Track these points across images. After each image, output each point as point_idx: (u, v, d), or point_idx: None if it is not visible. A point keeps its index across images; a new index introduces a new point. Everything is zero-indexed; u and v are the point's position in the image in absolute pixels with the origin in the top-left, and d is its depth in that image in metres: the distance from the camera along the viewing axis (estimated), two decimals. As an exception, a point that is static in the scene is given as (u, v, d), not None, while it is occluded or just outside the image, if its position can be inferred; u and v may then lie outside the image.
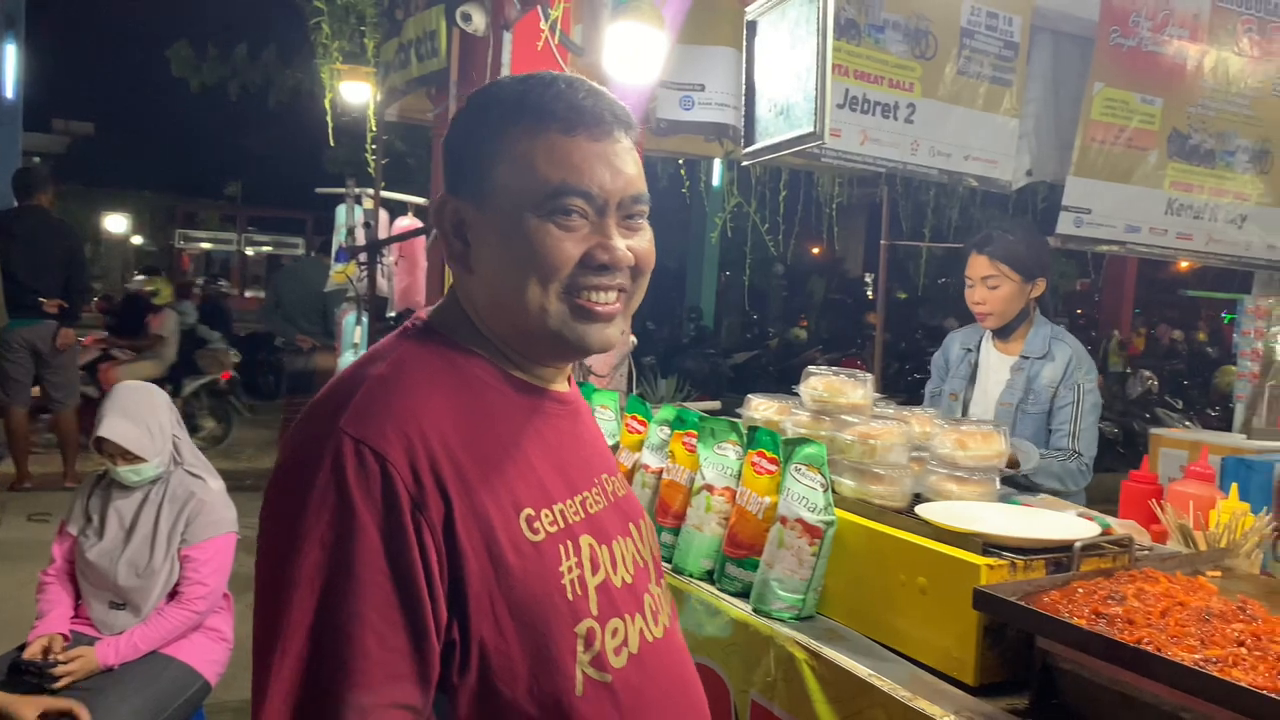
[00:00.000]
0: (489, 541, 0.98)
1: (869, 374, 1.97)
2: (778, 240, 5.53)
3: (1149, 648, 1.22)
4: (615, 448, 2.37)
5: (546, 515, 1.04)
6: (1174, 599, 1.39)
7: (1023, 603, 1.37)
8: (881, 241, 4.82)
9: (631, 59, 2.61)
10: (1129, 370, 11.32)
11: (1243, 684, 1.11)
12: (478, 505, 0.98)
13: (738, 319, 17.96)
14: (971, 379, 2.99)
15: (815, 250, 19.39)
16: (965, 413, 2.95)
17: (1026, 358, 2.87)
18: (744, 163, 2.96)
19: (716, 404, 3.18)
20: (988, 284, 2.86)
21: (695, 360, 11.72)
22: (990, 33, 3.87)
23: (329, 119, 5.40)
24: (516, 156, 1.05)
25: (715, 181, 7.05)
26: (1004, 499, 1.92)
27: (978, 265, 2.89)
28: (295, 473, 0.97)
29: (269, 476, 1.02)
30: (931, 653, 1.54)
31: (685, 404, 2.89)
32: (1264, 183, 4.58)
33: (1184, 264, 12.42)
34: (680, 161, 5.07)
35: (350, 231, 5.22)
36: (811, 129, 2.42)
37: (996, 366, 2.96)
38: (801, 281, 20.57)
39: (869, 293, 18.16)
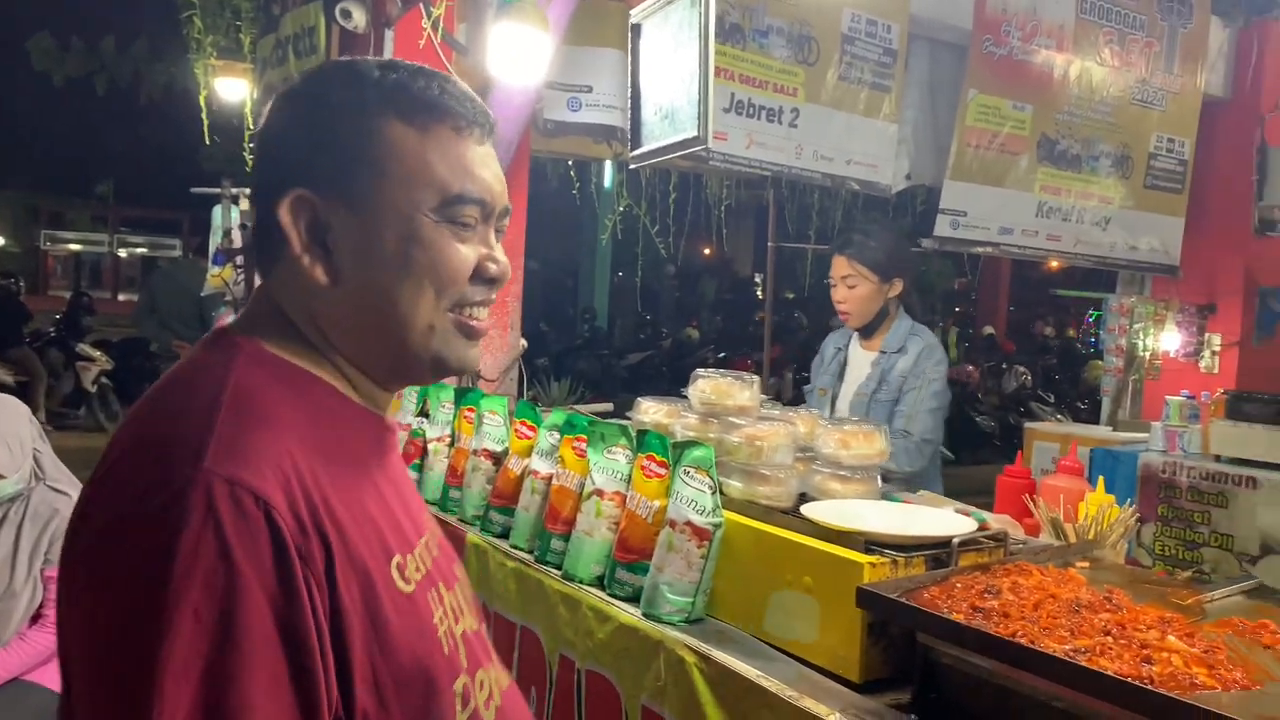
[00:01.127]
0: (368, 597, 0.84)
1: (756, 376, 1.99)
2: (668, 242, 5.56)
3: (1023, 640, 1.26)
4: (504, 454, 2.34)
5: (411, 561, 0.92)
6: (1046, 591, 1.44)
7: (903, 599, 1.40)
8: (769, 244, 4.89)
9: (515, 60, 2.58)
10: (1003, 365, 11.78)
11: (1109, 672, 1.15)
12: (354, 554, 0.84)
13: (631, 320, 18.04)
14: (840, 375, 3.15)
15: (707, 251, 19.62)
16: (834, 407, 3.10)
17: (885, 352, 3.04)
18: (631, 165, 2.95)
19: (609, 406, 3.19)
20: (847, 284, 3.01)
21: (589, 361, 11.72)
22: (870, 39, 3.96)
23: (204, 116, 5.20)
24: (406, 153, 0.93)
25: (606, 183, 7.08)
26: (885, 496, 1.97)
27: (838, 266, 3.05)
28: (143, 528, 0.76)
29: (76, 535, 0.81)
30: (818, 651, 1.57)
31: (577, 406, 2.89)
32: (1125, 187, 4.83)
33: (1055, 264, 13.03)
34: (570, 163, 5.06)
35: (227, 233, 5.04)
36: (695, 133, 2.43)
37: (861, 362, 3.12)
38: (694, 282, 20.80)
39: (759, 293, 18.45)
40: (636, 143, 2.84)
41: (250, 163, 4.69)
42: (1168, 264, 5.02)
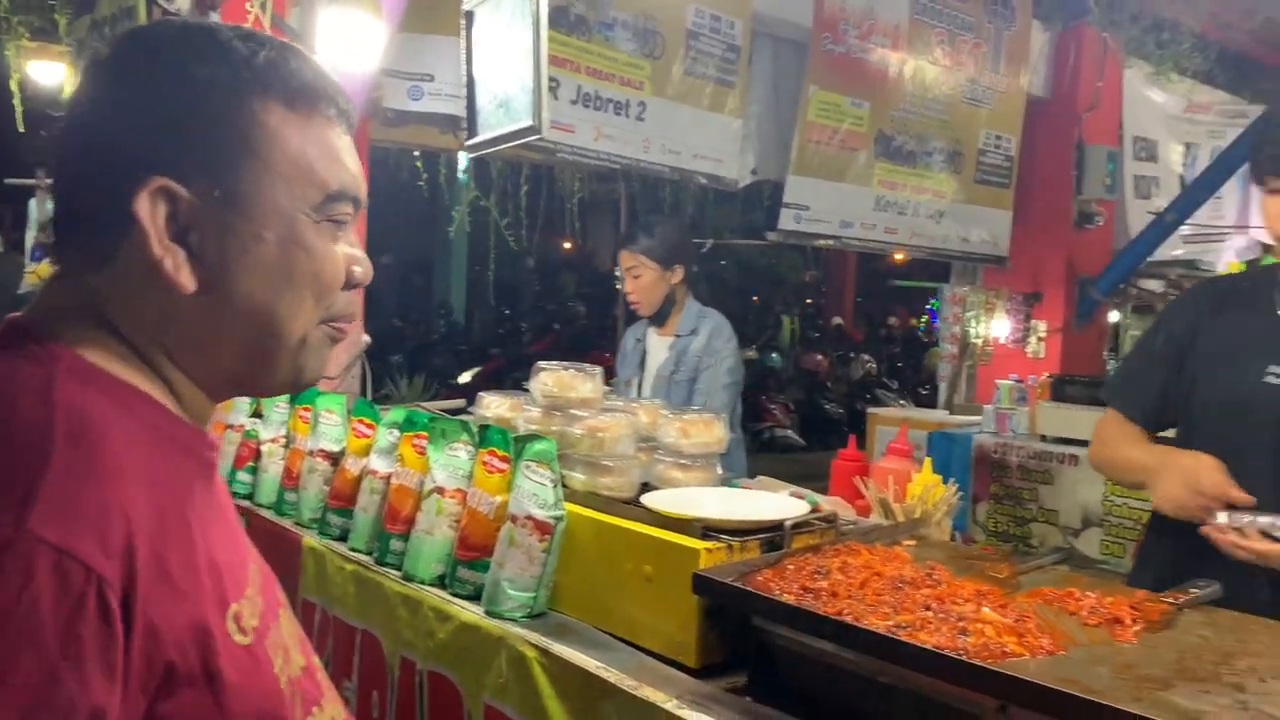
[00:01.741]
0: (206, 660, 0.74)
1: (599, 368, 1.99)
2: (520, 235, 5.52)
3: (848, 618, 1.30)
4: (342, 454, 2.26)
5: (246, 605, 0.81)
6: (873, 570, 1.48)
7: (736, 584, 1.42)
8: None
9: (347, 46, 2.50)
10: (851, 354, 12.21)
11: (926, 646, 1.20)
12: (193, 616, 0.74)
13: (490, 314, 17.84)
14: (642, 364, 3.32)
15: (567, 245, 19.60)
16: (640, 394, 3.25)
17: (679, 335, 3.23)
18: (469, 155, 2.91)
19: (461, 402, 3.13)
20: (633, 275, 3.21)
21: (445, 357, 11.52)
22: (714, 35, 4.02)
23: (17, 103, 4.84)
24: (289, 143, 0.83)
25: (460, 174, 6.97)
26: (727, 483, 2.00)
27: (624, 260, 3.24)
28: None
29: None
30: (657, 639, 1.58)
31: (424, 404, 2.82)
32: (957, 182, 5.07)
33: (900, 256, 13.62)
34: (417, 153, 4.95)
35: (44, 227, 4.71)
36: (530, 122, 2.41)
37: (659, 349, 3.29)
38: (553, 276, 20.74)
39: (618, 286, 18.53)
40: (473, 131, 2.80)
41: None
42: (997, 255, 5.30)
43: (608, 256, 20.69)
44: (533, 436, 1.77)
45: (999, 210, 5.28)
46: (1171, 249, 5.80)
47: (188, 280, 0.81)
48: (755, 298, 19.67)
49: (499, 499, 1.80)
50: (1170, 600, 1.41)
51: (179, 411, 0.85)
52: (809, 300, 19.21)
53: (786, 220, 4.49)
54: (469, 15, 2.82)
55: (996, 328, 5.28)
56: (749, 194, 5.97)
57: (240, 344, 0.85)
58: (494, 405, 2.06)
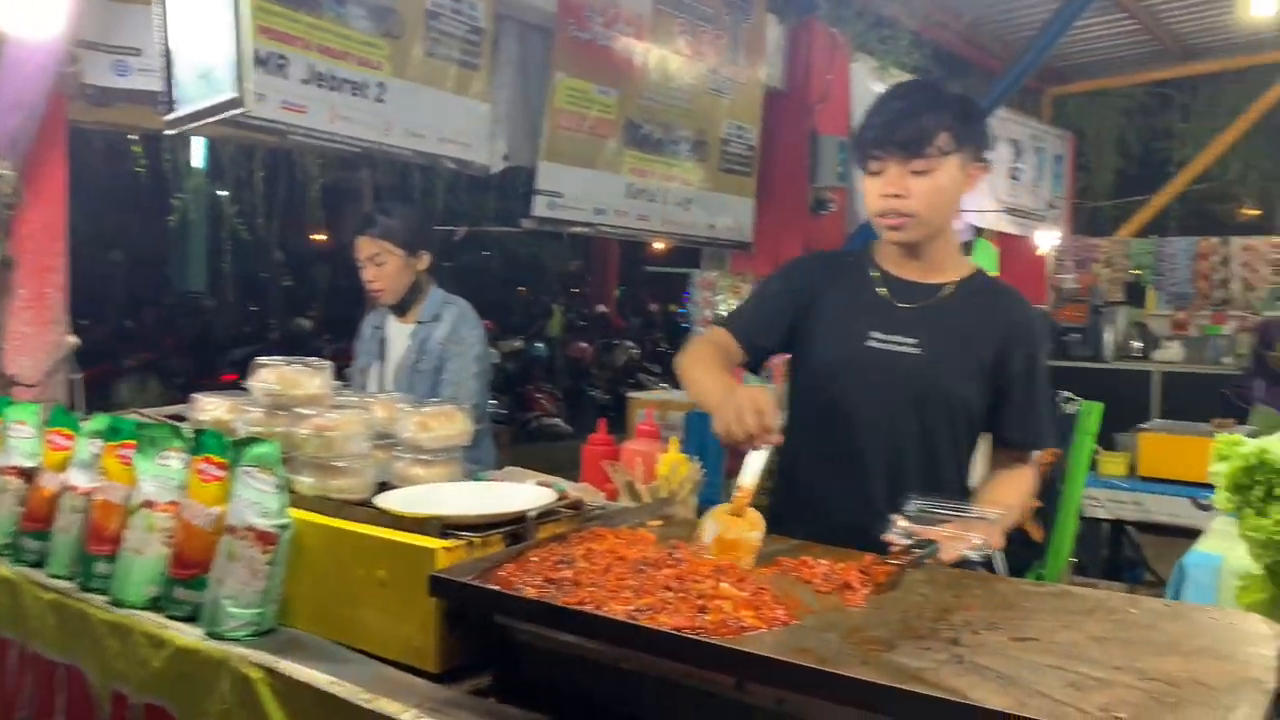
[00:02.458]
0: None
1: (327, 363, 1.86)
2: (259, 225, 5.19)
3: (589, 607, 1.26)
4: (36, 470, 2.00)
5: None
6: (617, 554, 1.46)
7: (473, 582, 1.35)
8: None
9: (25, 11, 2.20)
10: (615, 341, 12.40)
11: (664, 628, 1.18)
12: None
13: (236, 311, 16.74)
14: (380, 354, 3.16)
15: (319, 237, 18.72)
16: (379, 385, 3.11)
17: (421, 323, 3.09)
18: (168, 131, 2.66)
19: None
20: (375, 262, 3.03)
21: (182, 359, 10.69)
22: (455, 16, 3.90)
23: None
24: None
25: (201, 162, 6.44)
26: (474, 476, 1.92)
27: (364, 247, 3.05)
28: None
29: None
30: (395, 647, 1.48)
31: (146, 410, 2.55)
32: (704, 169, 5.21)
33: (662, 244, 13.93)
34: (135, 137, 4.51)
35: None
36: (233, 94, 2.22)
37: (399, 337, 3.14)
38: (304, 269, 19.75)
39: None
40: (172, 105, 2.55)
41: None
42: (742, 240, 5.50)
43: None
44: (252, 440, 1.62)
45: (743, 198, 5.48)
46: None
47: None
48: (521, 288, 19.60)
49: (217, 510, 1.64)
50: (895, 562, 1.47)
51: None
52: (574, 289, 19.36)
53: (540, 207, 4.45)
54: (161, -20, 2.56)
55: (745, 310, 5.48)
56: (505, 181, 5.89)
57: None
58: (211, 407, 1.88)
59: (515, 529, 1.54)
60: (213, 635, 1.57)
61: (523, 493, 1.69)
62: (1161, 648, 1.17)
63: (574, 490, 1.76)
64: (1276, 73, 7.73)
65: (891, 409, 1.91)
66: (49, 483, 1.95)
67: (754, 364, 2.13)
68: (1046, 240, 7.60)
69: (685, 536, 1.63)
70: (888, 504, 1.78)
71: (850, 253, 2.11)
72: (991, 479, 1.98)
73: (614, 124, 4.69)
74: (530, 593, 1.33)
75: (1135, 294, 8.07)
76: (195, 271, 15.67)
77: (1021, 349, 1.92)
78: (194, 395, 1.96)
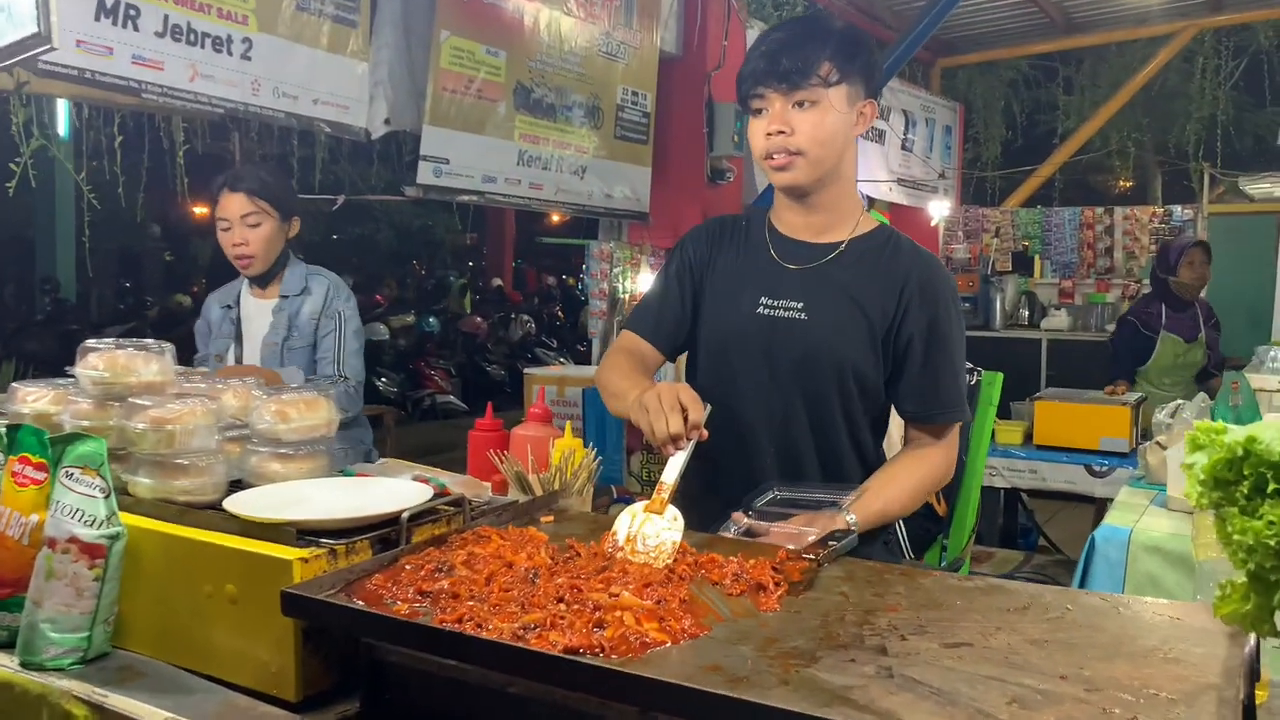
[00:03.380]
0: None
1: (169, 345, 1.63)
2: (140, 197, 4.80)
3: (468, 626, 1.10)
4: None
5: None
6: (503, 560, 1.29)
7: (335, 600, 1.17)
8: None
9: None
10: (511, 315, 12.15)
11: (552, 652, 1.02)
12: None
13: (110, 289, 15.86)
14: (237, 335, 2.88)
15: (199, 210, 17.87)
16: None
17: (286, 296, 2.84)
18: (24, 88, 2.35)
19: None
20: (248, 223, 2.76)
21: (47, 340, 10.02)
22: (329, -33, 3.62)
23: None
24: None
25: (62, 130, 5.93)
26: (342, 471, 1.72)
27: (234, 204, 2.76)
28: None
29: None
30: (249, 672, 1.29)
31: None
32: (598, 137, 5.02)
33: (557, 215, 13.64)
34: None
35: None
36: (36, 29, 1.94)
37: (258, 314, 2.87)
38: (184, 244, 18.84)
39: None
40: None
41: None
42: (639, 210, 5.34)
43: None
44: (74, 436, 1.39)
45: (639, 167, 5.31)
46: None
47: None
48: (414, 261, 19.08)
49: (35, 518, 1.41)
50: (810, 556, 1.34)
51: None
52: (470, 263, 18.95)
53: (425, 174, 4.19)
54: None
55: (642, 282, 5.33)
56: (389, 148, 5.58)
57: None
58: (32, 398, 1.63)
59: (386, 532, 1.36)
60: (29, 665, 1.35)
61: (396, 490, 1.50)
62: (1106, 650, 1.06)
63: (456, 485, 1.58)
64: (1157, 46, 7.94)
65: (776, 379, 1.78)
66: None
67: (675, 355, 1.99)
68: (939, 210, 7.66)
69: (581, 534, 1.48)
70: (780, 482, 1.68)
71: (744, 215, 1.97)
72: (888, 461, 1.84)
73: (503, 87, 4.45)
74: (400, 609, 1.16)
75: (1023, 263, 8.22)
76: (64, 247, 14.75)
77: (920, 311, 1.77)
78: (15, 385, 1.70)
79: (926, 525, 3.10)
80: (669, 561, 1.33)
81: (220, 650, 1.32)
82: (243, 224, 2.75)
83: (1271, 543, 0.66)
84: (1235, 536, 0.68)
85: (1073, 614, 1.17)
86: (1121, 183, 11.74)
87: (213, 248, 16.40)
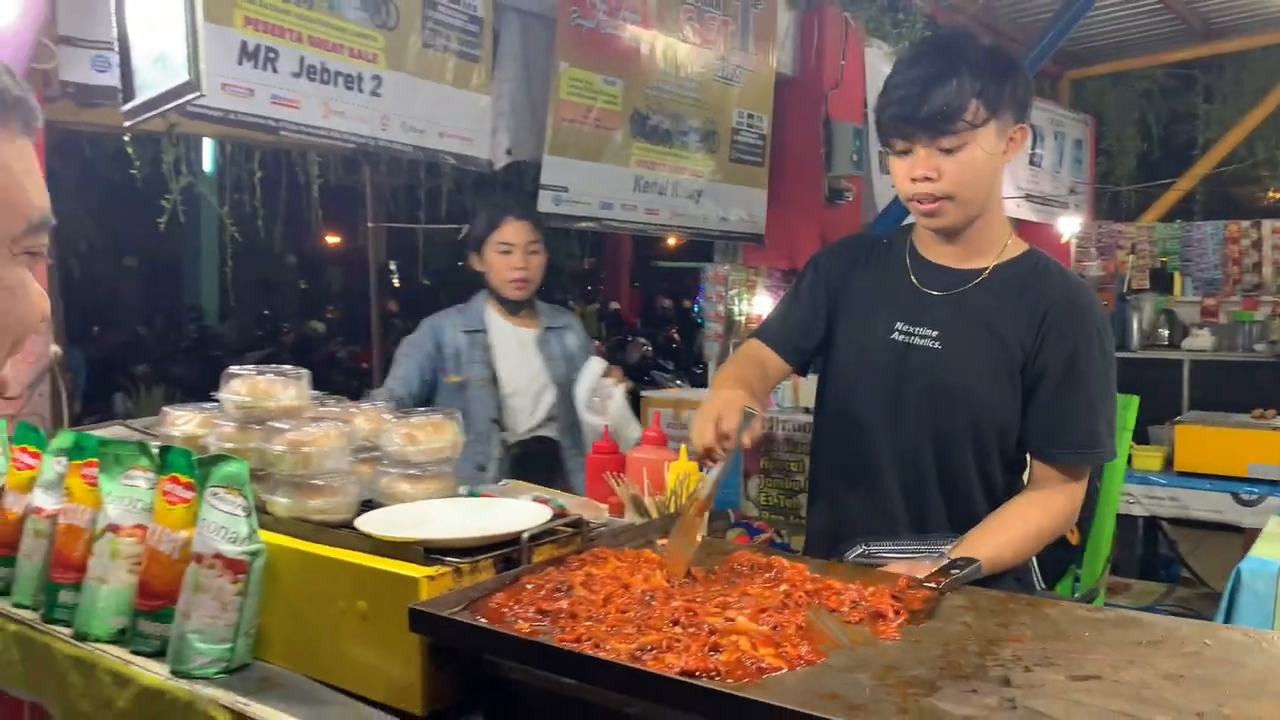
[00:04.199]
0: None
1: (304, 370, 1.71)
2: (277, 228, 5.09)
3: (587, 646, 1.12)
4: (1, 490, 1.87)
5: None
6: (620, 581, 1.31)
7: (460, 616, 1.21)
8: (369, 225, 4.58)
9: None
10: (628, 338, 12.26)
11: (669, 674, 1.03)
12: None
13: (249, 316, 16.70)
14: (488, 361, 2.88)
15: (334, 239, 18.67)
16: (501, 395, 2.86)
17: (551, 329, 2.91)
18: (125, 123, 2.53)
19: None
20: (530, 249, 2.85)
21: (192, 364, 10.60)
22: (453, 6, 3.76)
23: None
24: None
25: (207, 166, 6.32)
26: (469, 492, 1.78)
27: (521, 231, 2.86)
28: None
29: None
30: (378, 686, 1.34)
31: (132, 423, 2.41)
32: (714, 160, 5.04)
33: (673, 239, 13.74)
34: (127, 138, 4.38)
35: None
36: (187, 77, 2.08)
37: (515, 342, 2.90)
38: (318, 272, 19.73)
39: (395, 280, 17.87)
40: (130, 94, 2.40)
41: None
42: (754, 233, 5.33)
43: (382, 249, 19.93)
44: (219, 457, 1.48)
45: (754, 189, 5.31)
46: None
47: None
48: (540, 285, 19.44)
49: (184, 534, 1.50)
50: (932, 585, 1.32)
51: None
52: (589, 286, 19.22)
53: (546, 202, 4.29)
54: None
55: (758, 304, 5.32)
56: (508, 176, 5.75)
57: None
58: (182, 421, 1.74)
59: (508, 552, 1.39)
60: (178, 673, 1.43)
61: (518, 510, 1.54)
62: (1248, 689, 1.01)
63: (574, 506, 1.61)
64: (1305, 49, 7.51)
65: (904, 408, 1.71)
66: (13, 504, 1.81)
67: (803, 367, 1.95)
68: (1069, 227, 7.39)
69: (696, 557, 1.48)
70: (908, 517, 1.64)
71: (885, 235, 1.89)
72: (1005, 504, 1.69)
73: (620, 115, 4.53)
74: (522, 628, 1.19)
75: (1162, 281, 7.85)
76: (208, 276, 15.65)
77: (1059, 342, 1.65)
78: (167, 409, 1.82)
79: (1058, 554, 2.98)
80: (681, 573, 1.36)
81: (351, 664, 1.38)
82: (526, 250, 2.85)
83: None
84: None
85: (1212, 649, 1.11)
86: (1270, 194, 11.10)
87: (344, 276, 17.04)
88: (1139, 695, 1.00)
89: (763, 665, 1.08)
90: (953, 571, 1.37)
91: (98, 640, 1.57)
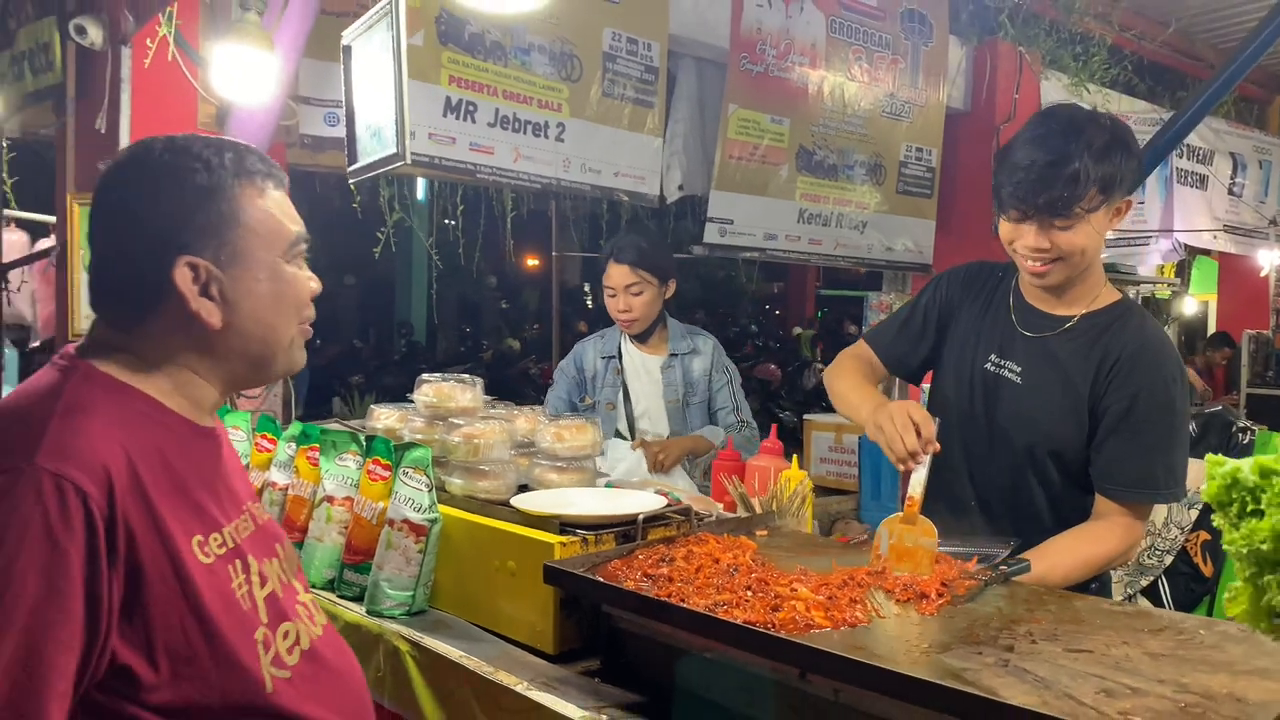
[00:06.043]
0: (174, 565, 1.08)
1: (478, 379, 2.10)
2: (480, 253, 5.64)
3: (674, 599, 1.41)
4: (245, 467, 2.36)
5: (215, 539, 1.16)
6: (712, 557, 1.60)
7: (583, 573, 1.53)
8: (553, 254, 5.03)
9: (242, 80, 2.60)
10: (811, 362, 12.38)
11: (734, 620, 1.31)
12: (162, 532, 1.08)
13: (453, 333, 17.87)
14: (622, 385, 3.16)
15: (533, 262, 19.71)
16: (630, 418, 3.12)
17: (676, 355, 3.12)
18: (351, 181, 3.02)
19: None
20: (631, 291, 3.05)
21: (401, 376, 11.55)
22: (631, 57, 4.15)
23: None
24: (261, 213, 1.20)
25: (419, 195, 7.04)
26: (608, 485, 2.11)
27: (618, 275, 3.07)
28: None
29: None
30: (521, 629, 1.68)
31: (348, 421, 2.91)
32: (879, 193, 5.22)
33: (861, 269, 13.80)
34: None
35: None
36: (395, 149, 2.52)
37: (643, 368, 3.16)
38: (517, 293, 20.84)
39: (588, 302, 18.68)
40: (353, 158, 2.90)
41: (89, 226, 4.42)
42: (922, 262, 5.46)
43: (576, 273, 20.89)
44: (411, 445, 1.87)
45: (922, 219, 5.45)
46: (1094, 253, 5.96)
47: (216, 321, 1.18)
48: (720, 310, 19.86)
49: (381, 505, 1.90)
50: (980, 576, 1.53)
51: (173, 404, 1.20)
52: (777, 311, 19.39)
53: (711, 234, 4.62)
54: (347, 50, 2.94)
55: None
56: (678, 209, 6.10)
57: (248, 353, 1.23)
58: (384, 417, 2.17)
59: (626, 529, 1.71)
60: (372, 613, 1.83)
61: (639, 499, 1.86)
62: (1216, 666, 1.19)
63: (689, 499, 1.91)
64: None
65: (986, 435, 1.92)
66: (255, 479, 2.29)
67: (908, 377, 2.18)
68: (1269, 260, 7.05)
69: (787, 546, 1.75)
70: (981, 523, 1.82)
71: (1002, 267, 2.03)
72: (1065, 531, 1.81)
73: (786, 151, 4.80)
74: (628, 585, 1.50)
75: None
76: (418, 296, 16.86)
77: (1123, 386, 1.79)
78: (373, 407, 2.25)
79: (1190, 585, 3.03)
80: (929, 567, 1.55)
81: (502, 612, 1.73)
82: (626, 293, 3.05)
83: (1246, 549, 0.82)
84: (1228, 547, 0.85)
85: (1204, 638, 1.29)
86: None
87: (539, 296, 17.84)
88: (1118, 665, 1.20)
89: (811, 623, 1.34)
90: (1002, 567, 1.57)
91: (314, 586, 1.99)
